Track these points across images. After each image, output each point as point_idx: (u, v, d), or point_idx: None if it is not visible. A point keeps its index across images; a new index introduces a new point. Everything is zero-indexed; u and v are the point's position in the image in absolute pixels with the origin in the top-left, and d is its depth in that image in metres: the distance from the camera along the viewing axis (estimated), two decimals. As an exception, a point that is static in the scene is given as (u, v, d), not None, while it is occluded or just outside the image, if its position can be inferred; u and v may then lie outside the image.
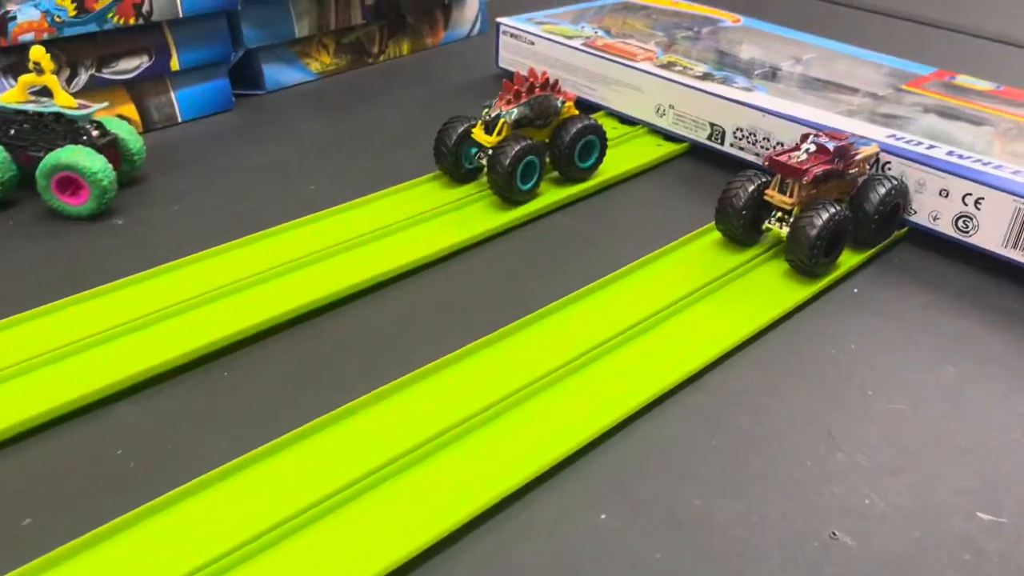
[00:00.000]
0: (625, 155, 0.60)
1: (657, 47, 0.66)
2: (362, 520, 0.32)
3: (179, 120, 0.63)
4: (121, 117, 0.59)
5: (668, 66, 0.62)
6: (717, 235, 0.50)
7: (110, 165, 0.50)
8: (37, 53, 0.50)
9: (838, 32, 0.79)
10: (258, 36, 0.66)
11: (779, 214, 0.48)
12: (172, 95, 0.63)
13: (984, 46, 0.84)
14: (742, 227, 0.48)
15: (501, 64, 0.72)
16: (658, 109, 0.62)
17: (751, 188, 0.48)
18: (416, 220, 0.51)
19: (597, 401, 0.38)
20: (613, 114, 0.65)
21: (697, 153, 0.61)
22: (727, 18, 0.75)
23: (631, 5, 0.78)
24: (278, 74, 0.69)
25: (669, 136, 0.62)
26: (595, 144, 0.56)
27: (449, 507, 0.32)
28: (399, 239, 0.50)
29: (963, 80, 0.63)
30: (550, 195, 0.54)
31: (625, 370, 0.40)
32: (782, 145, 0.55)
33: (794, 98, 0.58)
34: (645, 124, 0.63)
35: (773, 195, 0.47)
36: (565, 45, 0.66)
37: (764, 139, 0.56)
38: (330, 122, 0.65)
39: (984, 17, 0.91)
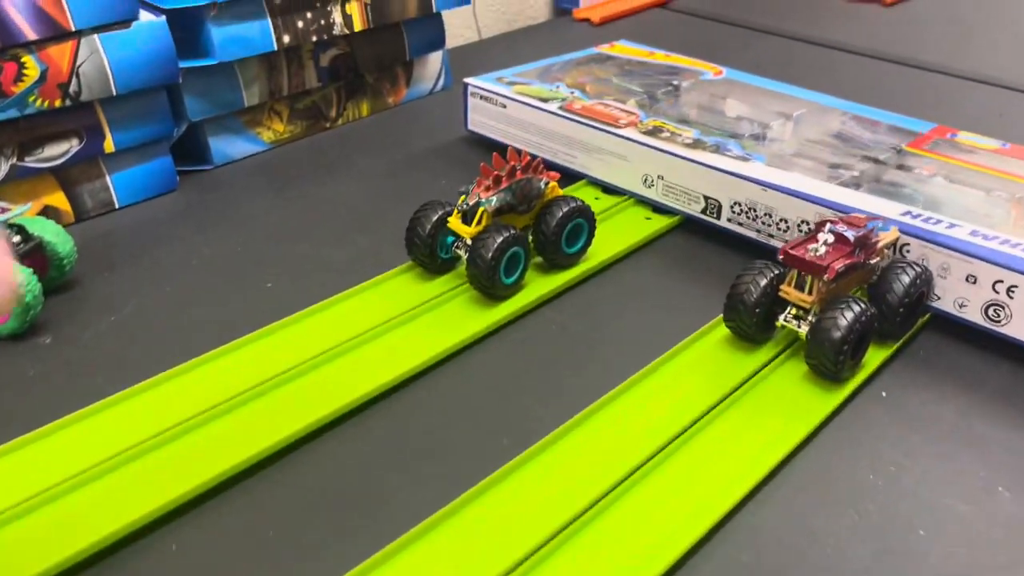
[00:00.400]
0: (613, 231, 0.55)
1: (639, 108, 0.62)
2: None
3: (116, 206, 0.57)
4: (47, 210, 0.53)
5: (654, 132, 0.58)
6: (725, 331, 0.45)
7: (35, 276, 0.44)
8: (-56, 152, 0.43)
9: (819, 77, 0.75)
10: (202, 108, 0.60)
11: (795, 311, 0.43)
12: (108, 179, 0.56)
13: (973, 89, 0.81)
14: (755, 325, 0.43)
15: (471, 127, 0.67)
16: (646, 179, 0.57)
17: (763, 283, 0.43)
18: (390, 325, 0.45)
19: (614, 566, 0.32)
20: (595, 183, 0.60)
21: (690, 227, 0.56)
22: (708, 70, 0.70)
23: (601, 57, 0.73)
24: (226, 147, 0.63)
25: (658, 207, 0.57)
26: (583, 227, 0.51)
27: None
28: (371, 350, 0.44)
29: (966, 138, 0.59)
30: (535, 286, 0.49)
31: (642, 519, 0.34)
32: (785, 223, 0.51)
33: (791, 166, 0.54)
34: (631, 195, 0.58)
35: (789, 292, 0.42)
36: (540, 109, 0.61)
37: (765, 215, 0.51)
38: (286, 201, 0.59)
39: (962, 57, 0.88)
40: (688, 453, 0.38)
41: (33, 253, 0.46)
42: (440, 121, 0.71)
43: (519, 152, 0.48)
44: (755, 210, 0.52)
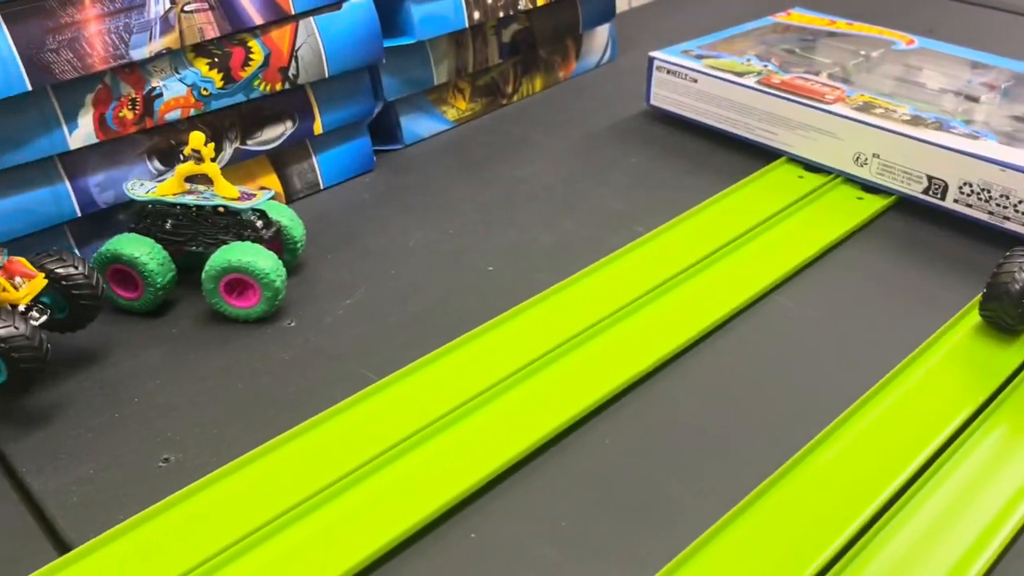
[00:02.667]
0: (824, 212, 0.53)
1: (833, 80, 0.60)
2: None
3: (321, 187, 0.58)
4: (264, 190, 0.54)
5: (866, 107, 0.55)
6: (976, 321, 0.44)
7: (281, 262, 0.45)
8: (197, 140, 0.44)
9: (1016, 45, 0.71)
10: (398, 87, 0.60)
11: (1065, 302, 0.41)
12: (314, 160, 0.57)
13: None
14: (1018, 316, 0.42)
15: (653, 102, 0.65)
16: (858, 158, 0.55)
17: (1030, 271, 0.41)
18: (619, 315, 0.45)
19: None
20: (797, 160, 0.58)
21: (907, 208, 0.54)
22: (899, 39, 0.67)
23: (779, 27, 0.71)
24: (415, 125, 0.63)
25: (870, 187, 0.55)
26: None
27: None
28: (624, 329, 0.44)
29: None
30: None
31: (920, 538, 0.34)
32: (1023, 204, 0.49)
33: (1016, 142, 0.51)
34: (839, 173, 0.57)
35: (1065, 282, 0.41)
36: (737, 84, 0.60)
37: (1002, 196, 0.49)
38: (479, 183, 0.59)
39: None
40: (959, 465, 0.37)
41: (274, 238, 0.46)
42: (612, 95, 0.70)
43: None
44: (988, 191, 0.50)
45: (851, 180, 0.56)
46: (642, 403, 0.40)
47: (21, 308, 0.38)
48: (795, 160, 0.59)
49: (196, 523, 0.34)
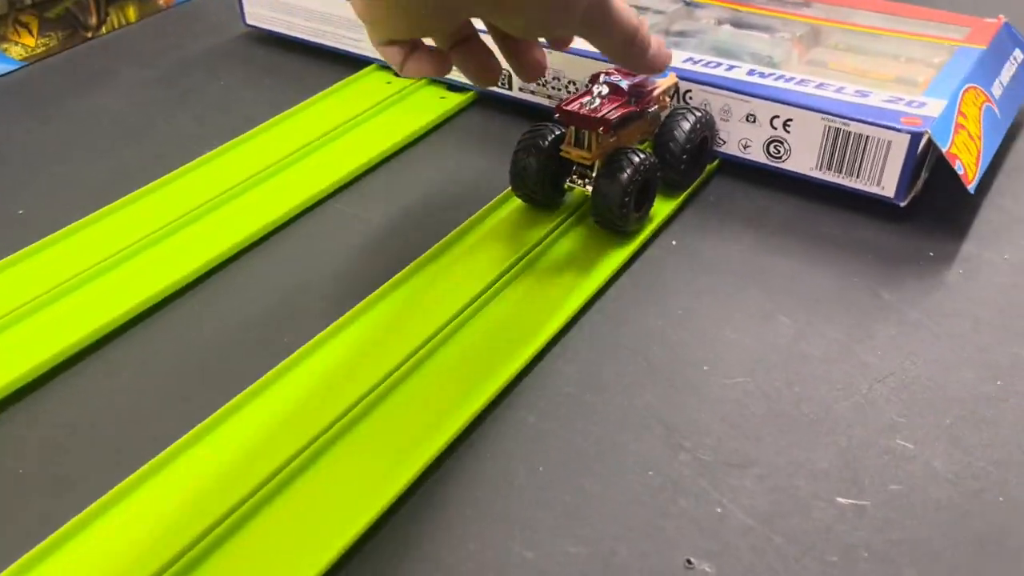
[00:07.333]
0: (406, 113, 0.52)
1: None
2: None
3: None
4: None
5: (438, 5, 0.54)
6: (518, 203, 0.44)
7: None
8: None
9: None
10: (-76, 23, 0.52)
11: (579, 170, 0.42)
12: None
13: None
14: (541, 191, 0.42)
15: (249, 21, 0.61)
16: (434, 56, 0.54)
17: (544, 145, 0.41)
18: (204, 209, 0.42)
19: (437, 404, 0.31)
20: (386, 68, 0.57)
21: (486, 103, 0.54)
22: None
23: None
24: (-34, 67, 0.56)
25: (453, 86, 0.55)
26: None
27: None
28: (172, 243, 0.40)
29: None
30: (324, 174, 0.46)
31: (446, 377, 0.34)
32: (574, 85, 0.49)
33: (580, 27, 0.52)
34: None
35: (569, 151, 0.41)
36: (318, -8, 0.57)
37: (554, 79, 0.50)
38: (38, 121, 0.53)
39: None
40: (484, 319, 0.37)
41: None
42: (220, 20, 0.65)
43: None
44: (545, 78, 0.50)
45: (436, 81, 0.55)
46: (202, 297, 0.38)
47: None
48: (384, 67, 0.57)
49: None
